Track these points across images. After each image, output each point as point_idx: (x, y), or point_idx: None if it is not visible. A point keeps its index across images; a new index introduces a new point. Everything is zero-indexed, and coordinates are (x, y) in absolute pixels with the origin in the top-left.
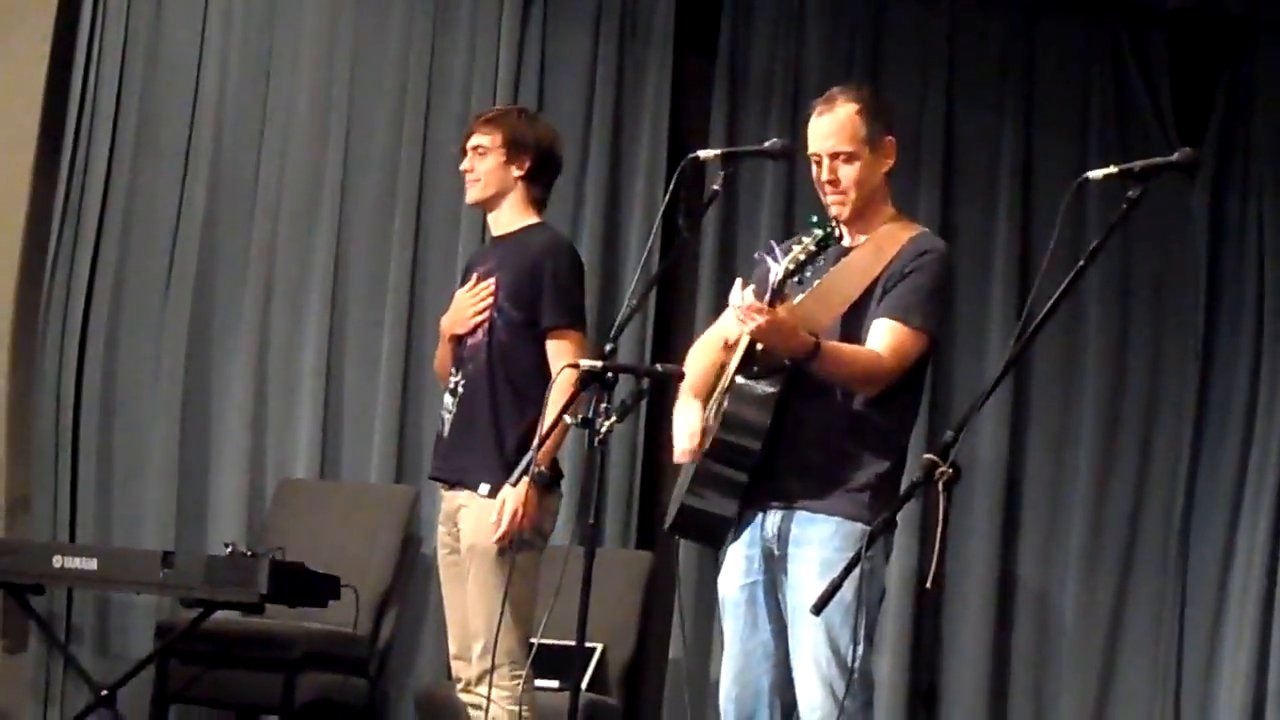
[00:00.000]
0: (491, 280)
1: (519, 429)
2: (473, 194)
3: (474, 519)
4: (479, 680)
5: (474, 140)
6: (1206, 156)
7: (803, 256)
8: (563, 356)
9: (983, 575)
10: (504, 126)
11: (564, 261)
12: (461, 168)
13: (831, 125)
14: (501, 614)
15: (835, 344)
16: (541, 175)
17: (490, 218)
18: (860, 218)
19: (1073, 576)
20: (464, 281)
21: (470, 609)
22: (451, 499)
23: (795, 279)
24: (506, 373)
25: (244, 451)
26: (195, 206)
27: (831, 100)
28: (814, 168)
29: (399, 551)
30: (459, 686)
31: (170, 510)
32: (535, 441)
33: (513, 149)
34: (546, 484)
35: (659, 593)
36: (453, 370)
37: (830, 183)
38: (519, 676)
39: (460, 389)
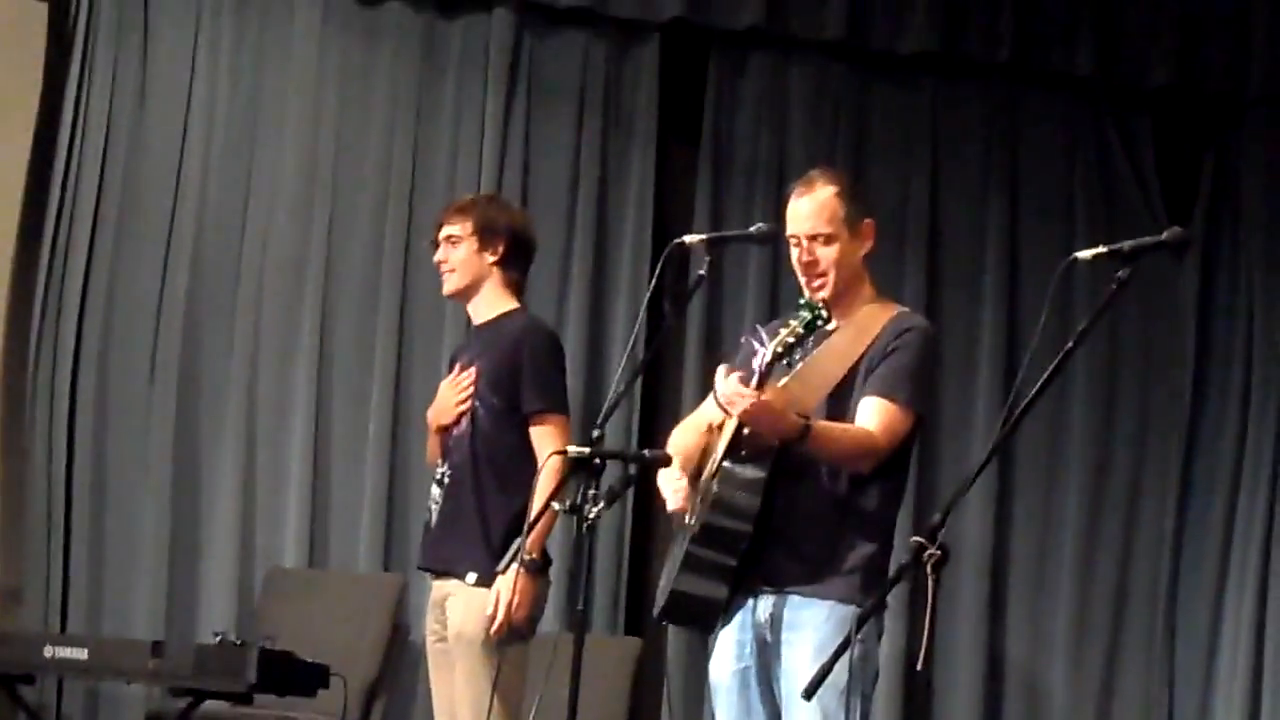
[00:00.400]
0: (472, 369)
1: (505, 516)
2: (449, 284)
3: (462, 607)
4: None
5: (445, 230)
6: (1194, 234)
7: (790, 340)
8: (546, 441)
9: (972, 654)
10: (474, 214)
11: (541, 345)
12: (435, 259)
13: (810, 207)
14: (491, 704)
15: (825, 424)
16: (516, 259)
17: (470, 307)
18: (841, 300)
19: (1061, 654)
20: (449, 372)
21: (457, 699)
22: (440, 588)
23: (783, 362)
24: (491, 461)
25: (233, 540)
26: (177, 297)
27: (810, 182)
28: (793, 250)
29: (387, 640)
30: None
31: (161, 599)
32: (525, 528)
33: (485, 235)
34: (537, 570)
35: (648, 679)
36: (439, 461)
37: (809, 264)
38: None
39: (446, 479)
